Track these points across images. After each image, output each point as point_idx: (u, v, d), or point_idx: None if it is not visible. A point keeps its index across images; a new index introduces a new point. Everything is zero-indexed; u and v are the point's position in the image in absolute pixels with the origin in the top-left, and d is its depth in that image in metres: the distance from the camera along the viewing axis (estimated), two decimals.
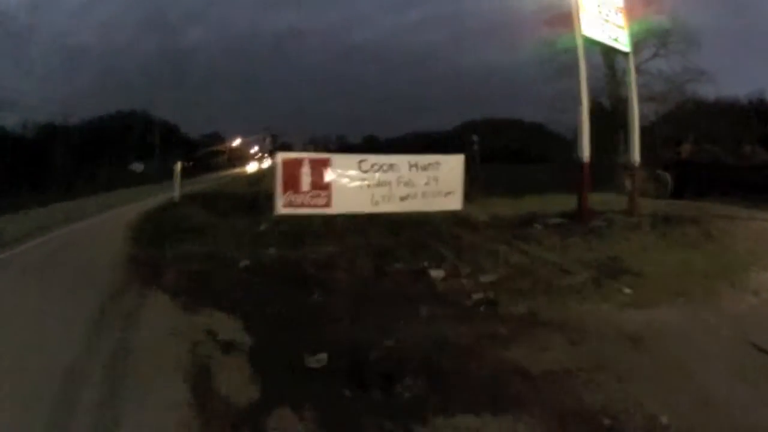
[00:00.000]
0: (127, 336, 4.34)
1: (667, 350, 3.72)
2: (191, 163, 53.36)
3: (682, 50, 21.41)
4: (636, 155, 10.27)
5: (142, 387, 3.33)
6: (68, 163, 32.90)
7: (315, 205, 8.50)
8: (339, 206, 8.59)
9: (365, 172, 8.61)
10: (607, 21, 9.67)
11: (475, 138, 9.64)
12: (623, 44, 10.07)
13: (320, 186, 8.46)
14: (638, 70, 27.77)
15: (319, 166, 8.43)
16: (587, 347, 3.71)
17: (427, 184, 9.02)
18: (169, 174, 20.47)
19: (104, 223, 13.02)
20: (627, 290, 4.95)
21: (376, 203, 8.68)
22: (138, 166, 44.54)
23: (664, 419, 2.79)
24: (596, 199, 11.59)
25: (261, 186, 12.67)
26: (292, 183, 8.41)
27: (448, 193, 9.24)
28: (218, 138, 60.93)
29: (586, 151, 9.07)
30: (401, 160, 8.91)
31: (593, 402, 2.97)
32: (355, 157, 8.80)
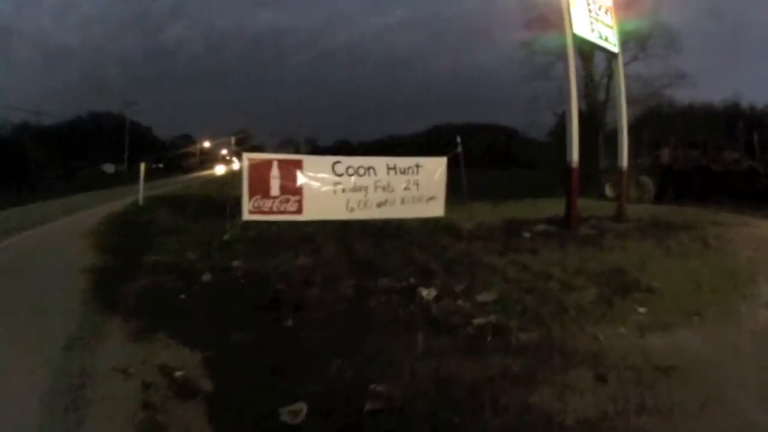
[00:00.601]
0: (59, 373, 3.48)
1: (702, 381, 3.24)
2: (162, 165, 52.72)
3: (662, 53, 21.66)
4: (624, 160, 10.19)
5: None
6: (41, 163, 31.56)
7: (285, 212, 7.73)
8: (311, 213, 7.86)
9: (339, 175, 7.90)
10: (596, 20, 9.48)
11: (458, 139, 9.01)
12: (612, 44, 9.91)
13: (290, 190, 7.70)
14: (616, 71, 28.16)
15: (289, 169, 7.68)
16: (619, 383, 3.13)
17: (406, 188, 8.39)
18: (136, 175, 19.44)
19: (63, 228, 11.73)
20: (641, 309, 4.45)
21: (352, 210, 7.98)
22: (109, 168, 43.97)
23: None
24: (578, 205, 11.96)
25: (227, 189, 11.77)
26: (259, 187, 7.62)
27: (429, 199, 8.65)
28: (189, 140, 60.52)
29: (575, 155, 8.81)
30: (379, 163, 8.25)
31: None
32: (328, 159, 8.07)
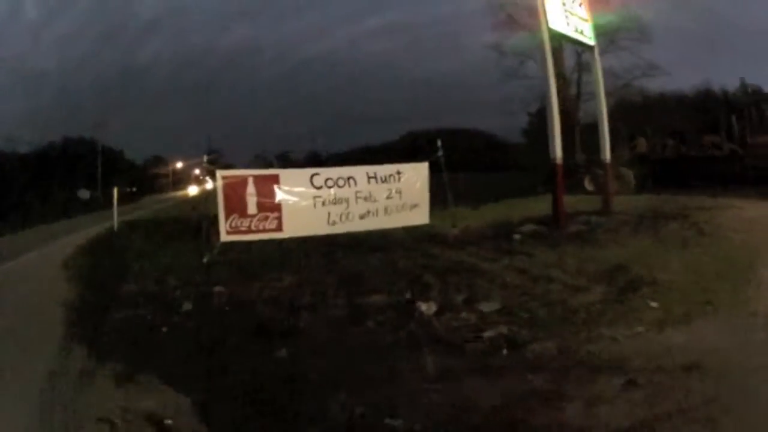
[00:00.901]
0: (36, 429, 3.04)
1: (734, 378, 3.03)
2: (135, 189, 51.78)
3: (632, 45, 21.85)
4: (607, 152, 10.08)
5: None
6: (14, 192, 31.05)
7: (264, 230, 7.31)
8: (291, 229, 7.46)
9: (318, 188, 7.54)
10: (571, 14, 9.36)
11: (438, 143, 8.77)
12: (588, 37, 9.83)
13: (269, 207, 7.29)
14: (586, 66, 28.48)
15: (266, 185, 7.27)
16: (651, 387, 2.88)
17: (389, 197, 8.07)
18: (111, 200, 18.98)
19: (40, 259, 11.08)
20: (653, 304, 4.25)
21: (334, 223, 7.61)
22: (84, 193, 43.21)
23: None
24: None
25: (201, 209, 11.26)
26: (235, 205, 7.20)
27: (413, 206, 8.34)
28: (161, 161, 59.74)
29: (558, 151, 8.64)
30: (358, 173, 7.92)
31: None
32: (306, 172, 7.70)
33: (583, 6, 9.80)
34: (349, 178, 7.73)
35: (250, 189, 7.18)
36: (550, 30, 8.80)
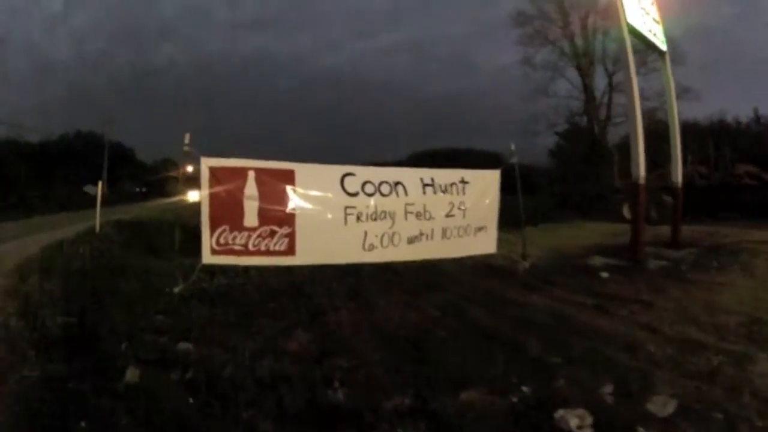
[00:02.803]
0: None
1: None
2: (145, 189, 51.47)
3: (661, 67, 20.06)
4: (679, 175, 8.97)
5: None
6: (22, 182, 30.50)
7: (267, 252, 4.86)
8: (308, 253, 4.99)
9: (353, 195, 5.09)
10: (646, 12, 8.37)
11: (512, 146, 6.41)
12: (660, 40, 8.88)
13: (276, 218, 4.84)
14: (617, 88, 26.79)
15: (274, 184, 4.85)
16: None
17: (449, 215, 5.64)
18: (120, 198, 16.92)
19: None
20: None
21: (371, 248, 5.15)
22: (92, 189, 42.59)
23: None
24: (602, 230, 11.56)
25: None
26: (226, 212, 4.78)
27: (478, 229, 5.93)
28: (171, 164, 60.23)
29: (642, 169, 7.24)
30: (410, 177, 5.49)
31: None
32: (335, 170, 5.18)
33: (654, 7, 8.74)
34: (396, 184, 5.30)
35: (251, 189, 4.76)
36: (628, 25, 7.58)
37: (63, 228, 14.13)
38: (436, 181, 5.58)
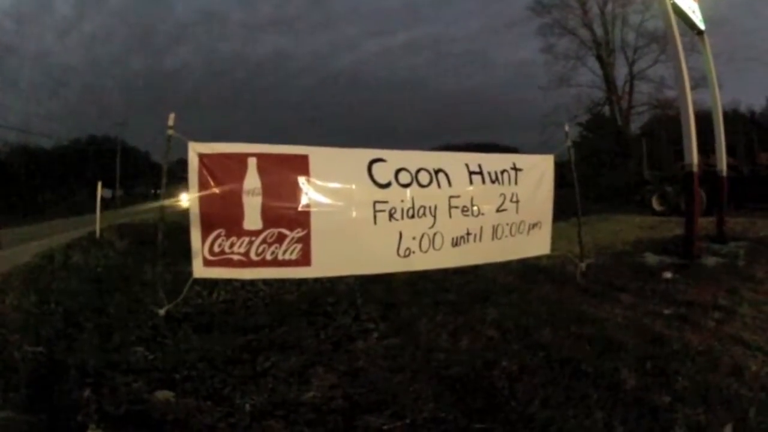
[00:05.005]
0: None
1: None
2: (158, 191, 52.26)
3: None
4: (723, 163, 8.42)
5: None
6: (34, 187, 31.36)
7: (275, 262, 3.78)
8: (326, 263, 3.89)
9: (384, 186, 3.97)
10: None
11: (566, 127, 5.31)
12: (698, 19, 8.21)
13: (285, 219, 3.75)
14: (638, 76, 25.61)
15: (282, 175, 3.76)
16: None
17: (501, 209, 4.52)
18: (133, 200, 16.42)
19: None
20: None
21: (408, 254, 4.03)
22: (107, 193, 43.32)
23: None
24: (636, 222, 11.27)
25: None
26: (222, 213, 3.71)
27: (532, 226, 4.79)
28: (186, 166, 61.74)
29: (694, 156, 6.64)
30: (454, 163, 4.35)
31: None
32: (361, 155, 4.03)
33: None
34: (437, 172, 4.17)
35: (252, 181, 3.67)
36: (671, 2, 6.92)
37: (67, 233, 13.65)
38: (485, 168, 4.45)
